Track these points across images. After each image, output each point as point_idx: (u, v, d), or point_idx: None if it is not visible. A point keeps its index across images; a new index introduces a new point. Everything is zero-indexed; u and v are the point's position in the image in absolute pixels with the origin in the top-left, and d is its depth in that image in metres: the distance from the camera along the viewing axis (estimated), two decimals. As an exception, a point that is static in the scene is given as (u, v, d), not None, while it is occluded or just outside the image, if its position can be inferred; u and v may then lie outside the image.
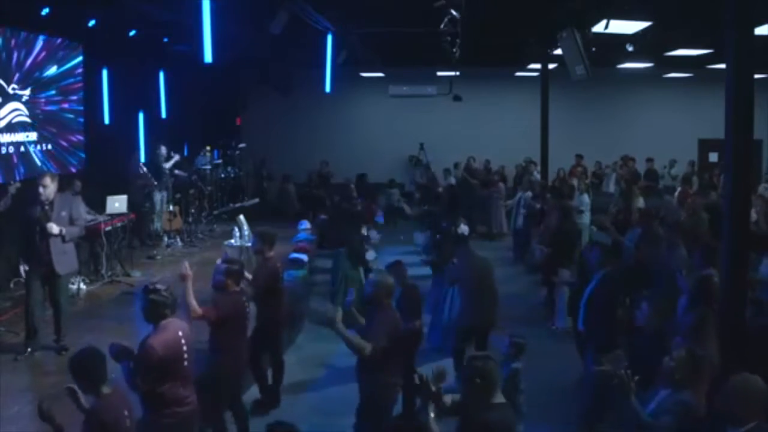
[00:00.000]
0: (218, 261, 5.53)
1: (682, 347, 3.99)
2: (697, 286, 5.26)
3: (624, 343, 5.52)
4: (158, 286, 4.31)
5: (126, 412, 3.71)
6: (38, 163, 9.91)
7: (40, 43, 9.91)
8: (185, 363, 4.28)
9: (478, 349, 6.63)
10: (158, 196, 12.03)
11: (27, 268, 6.64)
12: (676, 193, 12.17)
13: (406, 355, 5.34)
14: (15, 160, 9.43)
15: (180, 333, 4.27)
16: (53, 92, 10.42)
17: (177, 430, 4.25)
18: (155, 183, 11.78)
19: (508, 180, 16.58)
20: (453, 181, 16.13)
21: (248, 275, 6.27)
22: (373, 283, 4.87)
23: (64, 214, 6.66)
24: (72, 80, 10.92)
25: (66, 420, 3.61)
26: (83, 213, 7.64)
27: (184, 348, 4.26)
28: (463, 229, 8.62)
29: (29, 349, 6.55)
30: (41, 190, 6.52)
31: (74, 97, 11.02)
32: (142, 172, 11.71)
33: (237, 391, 5.57)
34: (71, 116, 11.00)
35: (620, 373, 3.83)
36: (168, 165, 12.19)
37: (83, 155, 11.23)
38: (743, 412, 3.25)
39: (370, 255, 10.01)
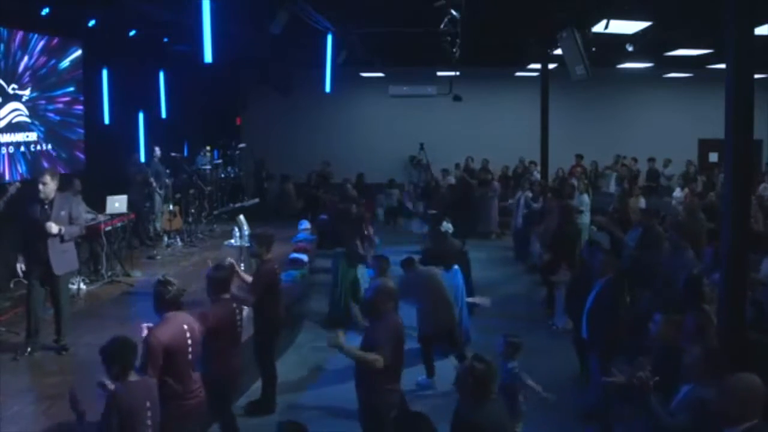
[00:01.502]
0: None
1: (697, 345, 3.98)
2: (688, 287, 5.27)
3: (626, 344, 5.49)
4: (170, 279, 4.48)
5: (148, 404, 3.81)
6: (38, 163, 9.90)
7: (40, 43, 9.91)
8: (189, 356, 4.39)
9: (450, 348, 7.20)
10: (158, 197, 12.03)
11: (24, 267, 6.62)
12: (675, 193, 12.18)
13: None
14: (15, 160, 9.43)
15: (185, 326, 4.39)
16: (53, 92, 10.42)
17: (182, 422, 4.32)
18: (154, 184, 11.81)
19: (510, 180, 16.56)
20: (452, 180, 16.13)
21: (247, 277, 6.26)
22: (373, 289, 4.81)
23: (63, 213, 6.61)
24: (72, 80, 10.92)
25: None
26: (83, 213, 7.62)
27: (189, 341, 4.38)
28: (446, 227, 8.64)
29: (29, 349, 6.52)
30: (41, 187, 6.47)
31: (74, 97, 11.01)
32: (143, 173, 11.74)
33: (227, 401, 5.38)
34: (71, 116, 11.00)
35: (640, 375, 3.82)
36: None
37: (83, 155, 11.23)
38: (740, 411, 3.20)
39: None
